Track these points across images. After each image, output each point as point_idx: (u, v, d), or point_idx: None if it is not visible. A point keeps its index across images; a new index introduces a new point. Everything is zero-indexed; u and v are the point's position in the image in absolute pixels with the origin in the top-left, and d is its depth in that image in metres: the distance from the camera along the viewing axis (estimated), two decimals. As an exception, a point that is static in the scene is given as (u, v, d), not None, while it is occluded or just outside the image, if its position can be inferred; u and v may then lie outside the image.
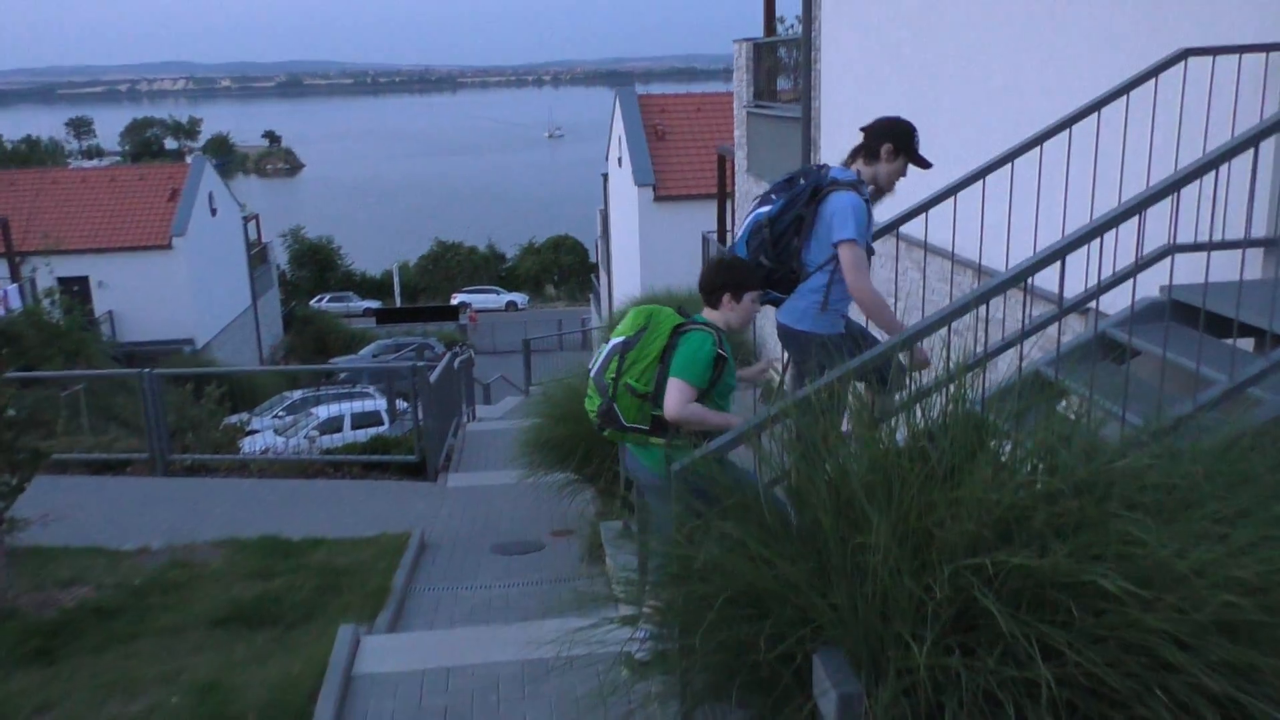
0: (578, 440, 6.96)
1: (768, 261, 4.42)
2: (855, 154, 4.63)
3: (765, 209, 4.48)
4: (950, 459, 2.81)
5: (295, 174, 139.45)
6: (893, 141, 4.51)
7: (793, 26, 12.66)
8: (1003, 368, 5.54)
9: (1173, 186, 3.37)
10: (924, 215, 5.07)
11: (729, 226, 18.05)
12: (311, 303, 50.97)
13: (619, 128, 26.02)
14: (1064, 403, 4.30)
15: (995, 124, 6.80)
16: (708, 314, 4.13)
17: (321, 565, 6.59)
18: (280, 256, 54.88)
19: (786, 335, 4.53)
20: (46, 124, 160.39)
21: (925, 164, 4.55)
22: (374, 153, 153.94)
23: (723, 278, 4.12)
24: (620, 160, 26.11)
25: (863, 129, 4.60)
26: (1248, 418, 3.46)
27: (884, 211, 5.06)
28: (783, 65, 13.28)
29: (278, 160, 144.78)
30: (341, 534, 7.52)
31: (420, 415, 9.60)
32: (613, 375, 3.95)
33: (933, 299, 7.81)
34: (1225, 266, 4.29)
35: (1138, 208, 3.37)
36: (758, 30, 14.14)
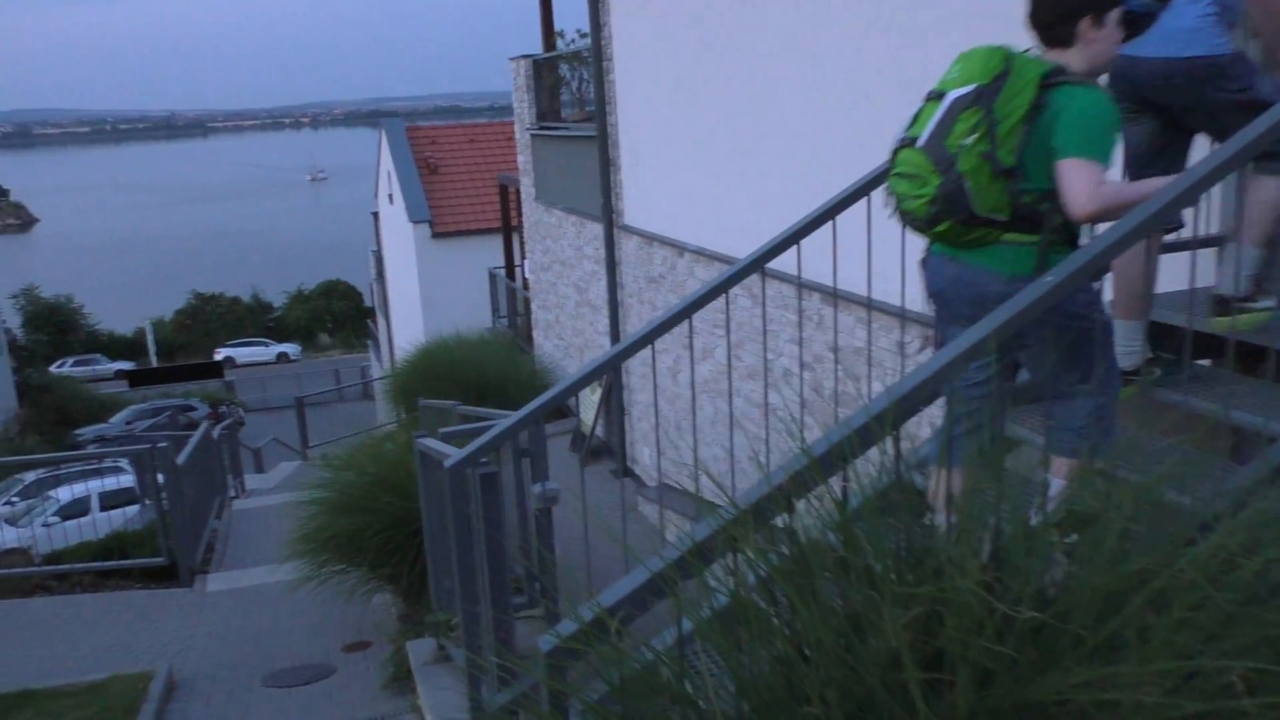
0: (372, 531, 5.54)
1: None
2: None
3: None
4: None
5: (28, 229, 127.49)
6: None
7: (574, 40, 11.65)
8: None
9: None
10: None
11: (517, 260, 16.83)
12: (52, 368, 45.85)
13: (387, 162, 24.35)
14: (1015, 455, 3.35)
15: (838, 119, 5.93)
16: (1055, 57, 2.74)
17: (26, 736, 4.86)
18: (11, 320, 49.28)
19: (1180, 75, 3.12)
20: None
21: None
22: (118, 204, 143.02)
23: None
24: (391, 197, 24.43)
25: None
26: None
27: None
28: (566, 82, 12.25)
29: (6, 215, 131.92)
30: (60, 679, 5.75)
31: (166, 506, 7.82)
32: (963, 141, 2.63)
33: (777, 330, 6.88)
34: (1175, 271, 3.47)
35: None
36: (533, 50, 13.07)
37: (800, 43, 6.32)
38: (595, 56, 9.79)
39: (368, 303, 49.80)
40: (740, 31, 7.15)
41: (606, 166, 9.96)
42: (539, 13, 12.62)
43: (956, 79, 2.73)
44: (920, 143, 2.74)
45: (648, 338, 3.53)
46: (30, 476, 20.10)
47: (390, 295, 27.78)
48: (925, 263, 2.98)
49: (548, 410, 3.70)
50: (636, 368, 10.16)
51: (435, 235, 21.91)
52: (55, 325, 52.20)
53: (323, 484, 6.10)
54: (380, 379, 26.03)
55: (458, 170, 23.51)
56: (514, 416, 3.70)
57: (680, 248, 8.58)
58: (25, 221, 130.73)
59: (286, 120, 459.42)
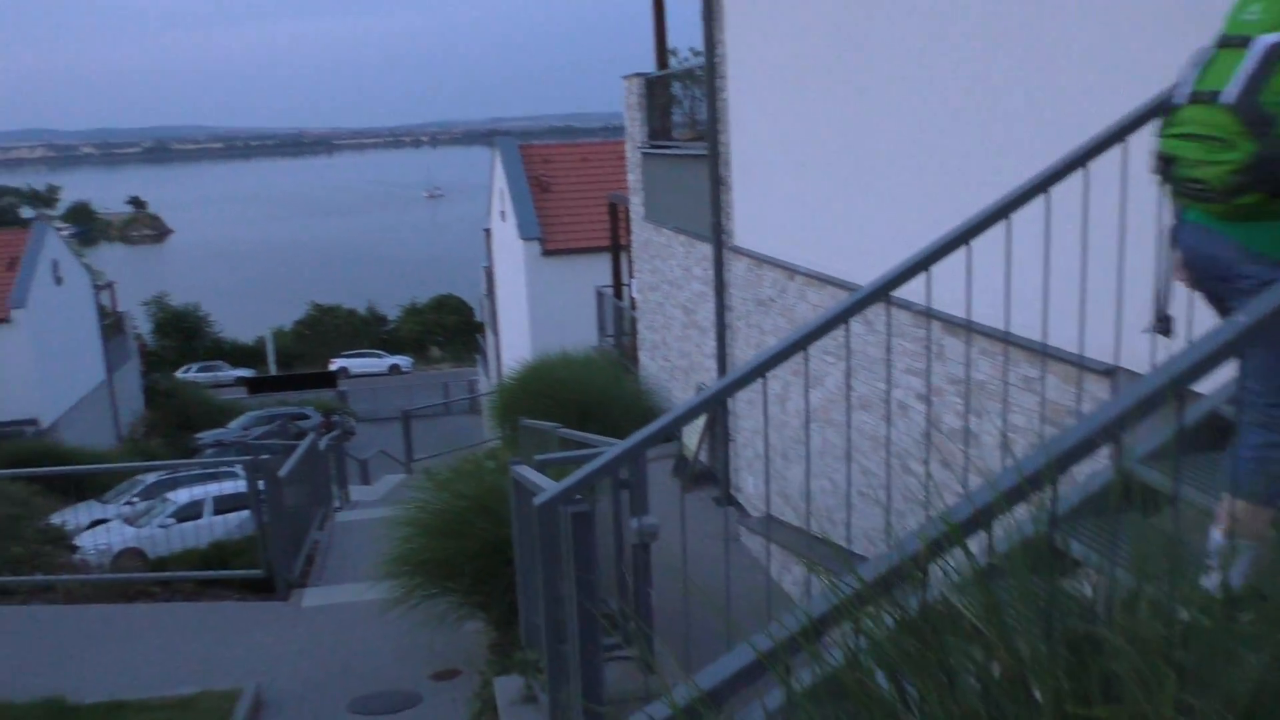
0: (465, 557, 5.36)
1: None
2: None
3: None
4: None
5: (163, 240, 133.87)
6: None
7: (687, 58, 11.44)
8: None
9: None
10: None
11: (625, 279, 16.69)
12: (178, 373, 47.79)
13: (500, 180, 24.58)
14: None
15: (962, 138, 5.55)
16: None
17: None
18: (144, 325, 51.56)
19: None
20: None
21: None
22: (247, 217, 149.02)
23: None
24: (504, 214, 24.64)
25: None
26: None
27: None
28: (678, 100, 12.05)
29: (143, 226, 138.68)
30: (151, 690, 5.72)
31: (265, 519, 7.83)
32: None
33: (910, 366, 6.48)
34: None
35: None
36: (646, 68, 12.91)
37: (924, 58, 5.97)
38: (709, 74, 9.55)
39: (478, 317, 50.58)
40: (860, 47, 6.82)
41: (717, 186, 9.70)
42: (652, 31, 12.48)
43: (1260, 20, 2.21)
44: (1226, 98, 2.22)
45: (760, 369, 3.24)
46: (150, 478, 20.80)
47: (499, 311, 28.02)
48: (1177, 231, 2.52)
49: (651, 444, 3.44)
50: (743, 394, 9.84)
51: (545, 253, 21.96)
52: (183, 332, 54.47)
53: (419, 504, 5.96)
54: (486, 394, 26.23)
55: (569, 189, 23.57)
56: (613, 450, 3.44)
57: (791, 270, 8.26)
58: (160, 232, 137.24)
59: (407, 138, 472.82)
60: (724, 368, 10.19)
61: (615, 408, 11.62)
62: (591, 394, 11.64)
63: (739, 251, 9.50)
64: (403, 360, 52.94)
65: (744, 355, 9.73)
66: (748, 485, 9.93)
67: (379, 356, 53.08)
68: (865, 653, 1.66)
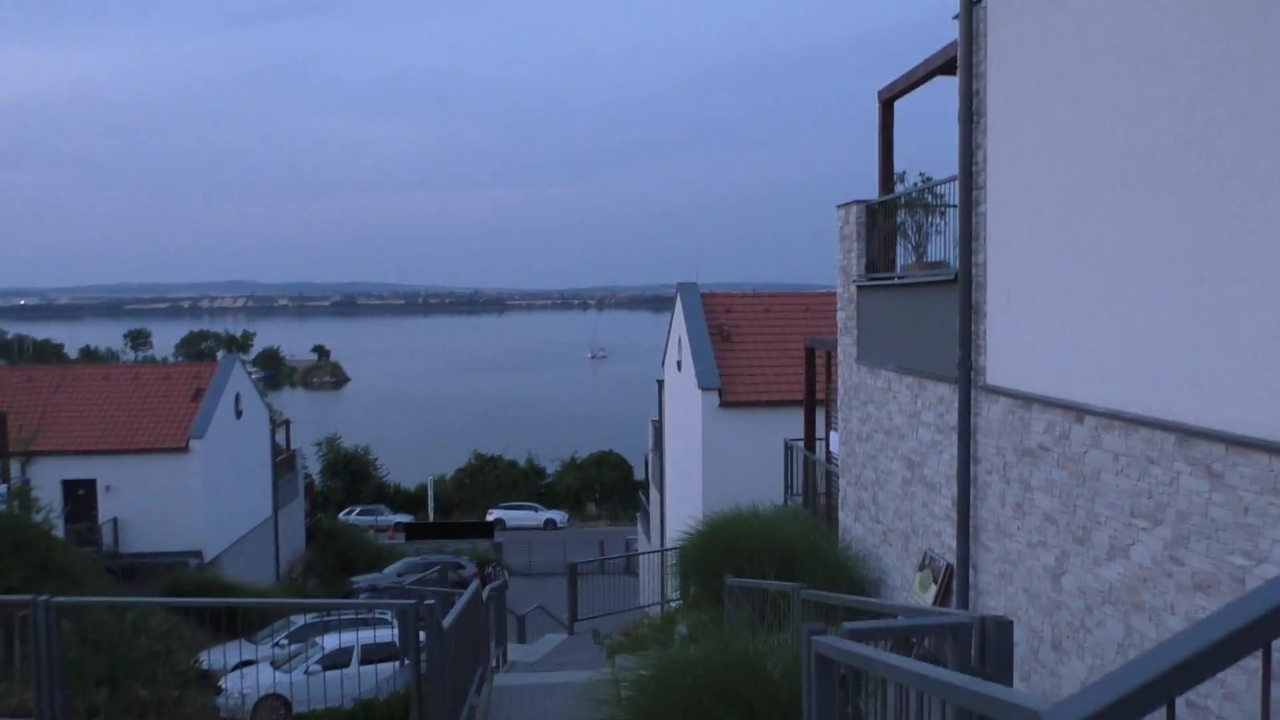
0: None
1: None
2: None
3: None
4: None
5: (341, 387, 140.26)
6: None
7: (916, 183, 10.22)
8: None
9: None
10: None
11: (820, 431, 15.13)
12: (340, 515, 48.19)
13: (679, 328, 23.67)
14: None
15: None
16: None
17: None
18: (313, 466, 52.63)
19: None
20: (109, 336, 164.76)
21: None
22: (421, 369, 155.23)
23: None
24: (680, 364, 23.62)
25: None
26: None
27: None
28: (903, 230, 10.74)
29: (324, 373, 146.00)
30: None
31: (422, 678, 6.46)
32: None
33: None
34: None
35: None
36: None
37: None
38: (963, 184, 8.22)
39: (638, 475, 49.42)
40: (1218, 136, 5.36)
41: (968, 314, 8.22)
42: (877, 154, 11.34)
43: None
44: None
45: None
46: (300, 620, 19.96)
47: (667, 466, 26.70)
48: None
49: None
50: (993, 563, 8.05)
51: (724, 404, 20.68)
52: (350, 474, 55.34)
53: (621, 678, 4.48)
54: (649, 552, 24.64)
55: (750, 339, 22.44)
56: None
57: (1079, 410, 6.62)
58: (339, 380, 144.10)
59: (575, 301, 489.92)
60: (966, 531, 8.45)
61: (820, 571, 9.97)
62: (796, 554, 10.03)
63: (994, 391, 7.91)
64: (558, 515, 52.08)
65: (994, 518, 8.00)
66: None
67: (535, 510, 52.41)
68: None
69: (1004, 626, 3.28)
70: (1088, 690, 1.80)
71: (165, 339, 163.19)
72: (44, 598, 7.04)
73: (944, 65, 9.42)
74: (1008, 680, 2.74)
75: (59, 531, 20.53)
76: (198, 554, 29.35)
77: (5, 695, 7.86)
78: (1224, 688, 5.10)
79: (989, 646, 3.27)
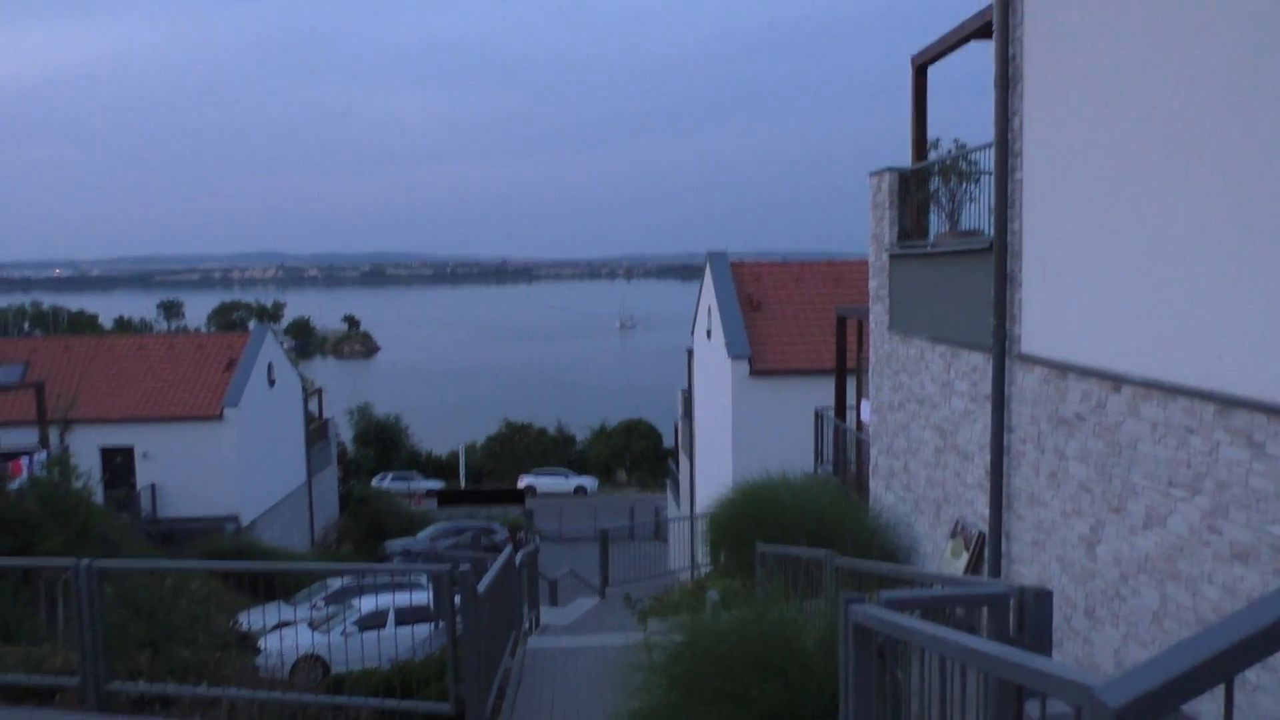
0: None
1: None
2: None
3: None
4: None
5: (371, 356, 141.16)
6: None
7: (950, 150, 10.11)
8: None
9: None
10: None
11: (851, 400, 15.10)
12: (373, 481, 48.68)
13: (709, 296, 23.64)
14: None
15: None
16: None
17: None
18: (345, 433, 53.11)
19: None
20: (142, 306, 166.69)
21: None
22: (449, 339, 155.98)
23: None
24: (709, 333, 23.61)
25: None
26: None
27: None
28: (936, 198, 10.63)
29: (355, 343, 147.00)
30: None
31: (458, 642, 6.56)
32: None
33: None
34: None
35: None
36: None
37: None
38: (999, 151, 8.13)
39: (667, 443, 49.54)
40: (1260, 101, 5.27)
41: (1003, 282, 8.16)
42: (910, 121, 11.22)
43: None
44: None
45: None
46: (337, 583, 20.28)
47: (697, 435, 26.76)
48: None
49: None
50: (1026, 531, 8.04)
51: (754, 373, 20.67)
52: (382, 441, 55.77)
53: (652, 645, 4.52)
54: (680, 519, 24.78)
55: (780, 308, 22.38)
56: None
57: (1117, 380, 6.56)
58: (370, 349, 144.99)
59: (604, 270, 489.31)
60: (999, 500, 8.43)
61: (851, 540, 9.98)
62: (825, 522, 10.04)
63: (1030, 360, 7.86)
64: (589, 481, 52.38)
65: (1028, 487, 7.98)
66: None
67: (565, 476, 52.73)
68: None
69: (1044, 597, 3.28)
70: (1143, 667, 1.81)
71: (197, 309, 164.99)
72: (85, 561, 7.20)
73: (980, 30, 9.28)
74: (1046, 652, 2.75)
75: (98, 498, 20.86)
76: (234, 519, 29.78)
77: (50, 656, 8.05)
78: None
79: (1027, 617, 3.28)
